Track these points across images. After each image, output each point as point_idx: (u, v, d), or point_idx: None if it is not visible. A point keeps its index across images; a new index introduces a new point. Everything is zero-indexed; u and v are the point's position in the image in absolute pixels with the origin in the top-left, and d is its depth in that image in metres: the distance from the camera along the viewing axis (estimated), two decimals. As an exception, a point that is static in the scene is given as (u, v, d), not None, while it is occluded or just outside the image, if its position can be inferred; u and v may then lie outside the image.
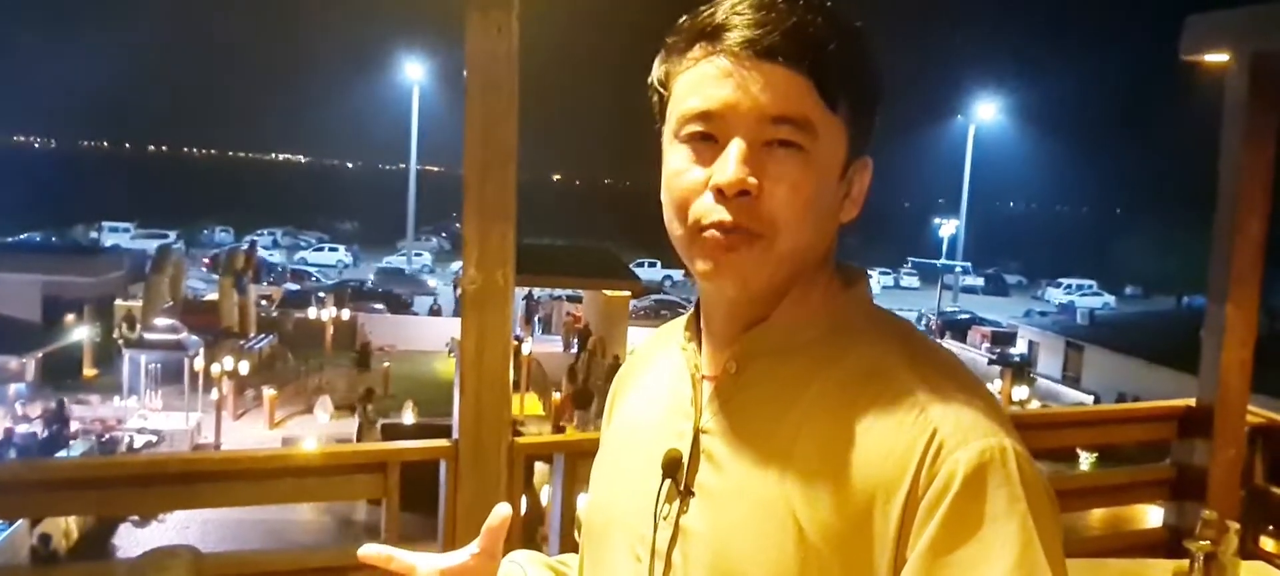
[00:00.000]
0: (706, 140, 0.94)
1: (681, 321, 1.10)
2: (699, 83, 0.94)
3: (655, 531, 0.99)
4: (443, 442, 2.83)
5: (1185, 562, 2.44)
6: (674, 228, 0.97)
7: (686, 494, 0.98)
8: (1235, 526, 2.40)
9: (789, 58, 0.91)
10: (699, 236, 0.94)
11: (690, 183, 0.94)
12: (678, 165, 0.96)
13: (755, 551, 0.92)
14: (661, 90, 0.99)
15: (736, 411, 0.98)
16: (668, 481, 0.99)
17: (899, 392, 0.92)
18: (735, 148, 0.91)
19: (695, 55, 0.95)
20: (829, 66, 0.92)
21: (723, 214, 0.92)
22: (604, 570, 1.07)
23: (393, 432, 16.57)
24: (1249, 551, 3.37)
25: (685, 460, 0.99)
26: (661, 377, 1.10)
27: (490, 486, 2.77)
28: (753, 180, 0.91)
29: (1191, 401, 3.80)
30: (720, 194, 0.92)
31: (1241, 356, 3.72)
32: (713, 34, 0.94)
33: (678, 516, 0.98)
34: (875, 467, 0.89)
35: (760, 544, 0.91)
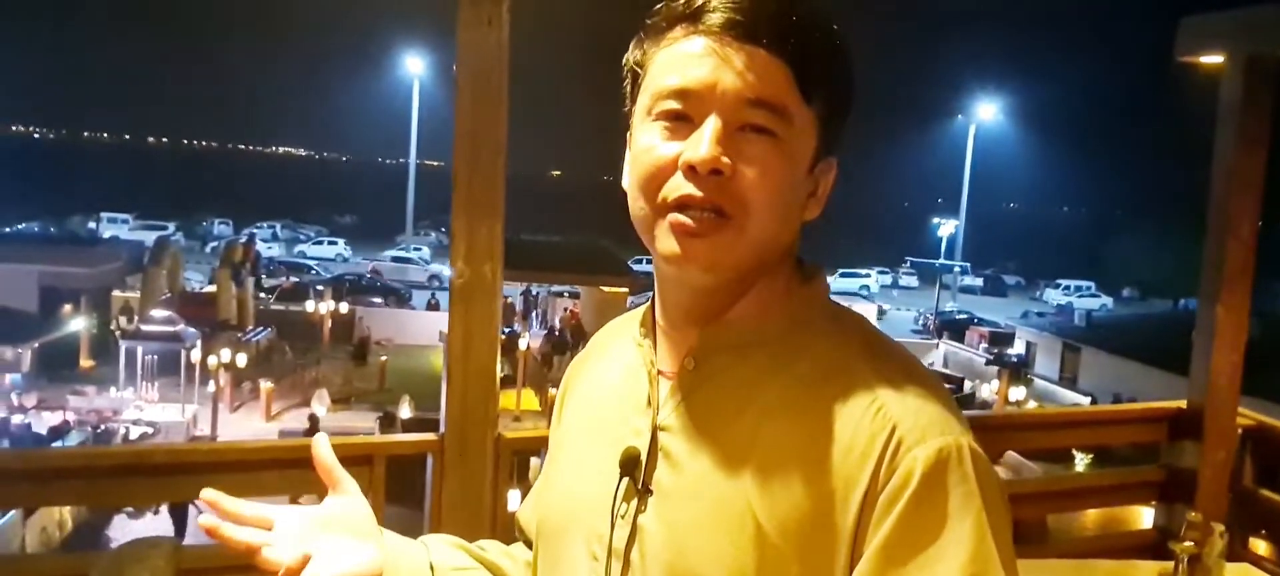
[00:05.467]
0: (681, 119, 0.93)
1: (635, 315, 1.09)
2: (677, 61, 0.93)
3: (613, 530, 0.98)
4: (429, 436, 2.83)
5: (1171, 564, 2.44)
6: (639, 206, 0.96)
7: (645, 492, 0.98)
8: (1220, 528, 2.40)
9: (771, 43, 0.91)
10: (665, 216, 0.93)
11: (661, 159, 0.93)
12: (649, 142, 0.94)
13: (714, 549, 0.91)
14: (638, 70, 0.98)
15: (695, 408, 0.98)
16: (625, 479, 0.98)
17: (858, 390, 0.92)
18: (710, 126, 0.91)
19: (675, 35, 0.95)
20: (809, 57, 0.92)
21: (692, 190, 0.91)
22: (561, 568, 1.06)
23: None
24: (1237, 554, 3.37)
25: (643, 458, 0.98)
26: (616, 373, 1.09)
27: (476, 480, 2.76)
28: (726, 160, 0.90)
29: (1182, 403, 3.80)
30: (692, 171, 0.91)
31: (1232, 359, 3.72)
32: (694, 14, 0.93)
33: (636, 514, 0.97)
34: (835, 464, 0.89)
35: (719, 541, 0.91)
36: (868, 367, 0.93)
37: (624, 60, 1.00)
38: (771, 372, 0.95)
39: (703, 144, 0.90)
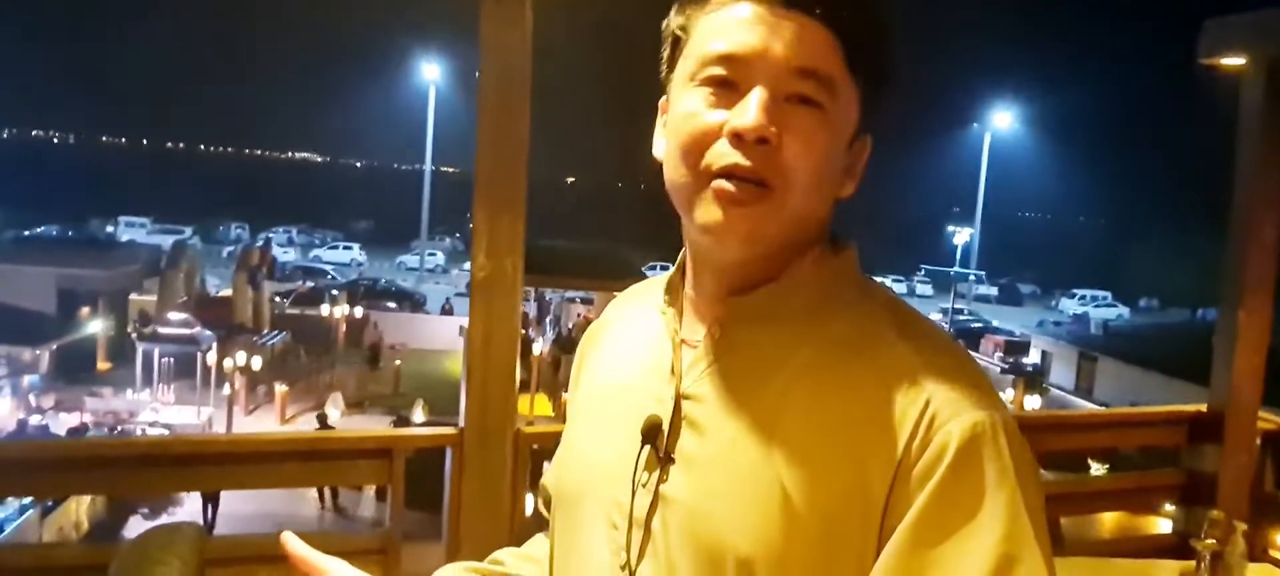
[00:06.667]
0: (726, 85, 0.91)
1: (658, 283, 1.07)
2: (725, 26, 0.91)
3: (633, 498, 0.96)
4: (448, 430, 2.84)
5: (1192, 563, 2.42)
6: (679, 173, 0.93)
7: (667, 461, 0.96)
8: (1242, 527, 2.38)
9: (821, 12, 0.89)
10: (708, 184, 0.91)
11: (706, 125, 0.91)
12: (692, 107, 0.92)
13: (739, 518, 0.89)
14: (680, 34, 0.97)
15: (720, 377, 0.96)
16: (647, 448, 0.96)
17: (890, 362, 0.90)
18: (758, 94, 0.89)
19: (722, 0, 0.92)
20: (859, 29, 0.91)
21: (739, 158, 0.89)
22: (578, 538, 1.04)
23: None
24: (1257, 558, 3.35)
25: (665, 426, 0.97)
26: (636, 341, 1.07)
27: (495, 474, 2.77)
28: (773, 129, 0.88)
29: (1202, 406, 3.78)
30: (738, 139, 0.89)
31: (1254, 362, 3.70)
32: None
33: (658, 484, 0.95)
34: (865, 436, 0.88)
35: (744, 511, 0.89)
36: (899, 339, 0.92)
37: (664, 24, 0.98)
38: (799, 343, 0.94)
39: (750, 112, 0.88)
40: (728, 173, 0.90)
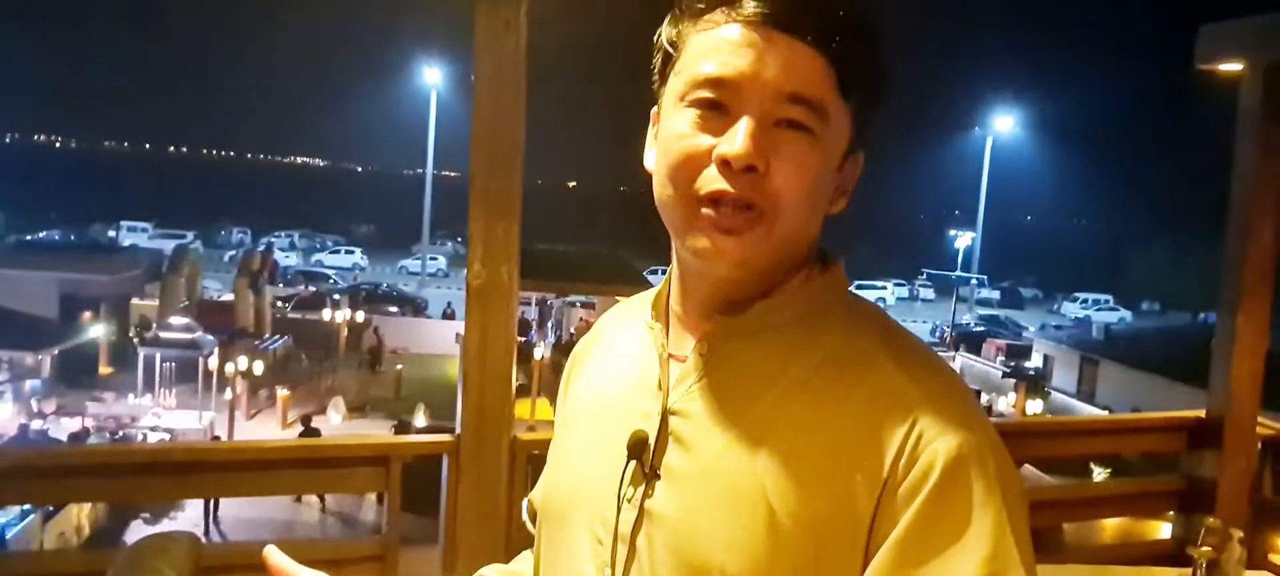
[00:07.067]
0: (715, 108, 0.89)
1: (646, 298, 1.07)
2: (715, 47, 0.90)
3: (619, 514, 0.96)
4: (445, 437, 2.84)
5: (1189, 570, 2.42)
6: (667, 193, 0.93)
7: (652, 476, 0.95)
8: (1239, 533, 2.38)
9: (813, 37, 0.88)
10: (697, 209, 0.90)
11: (694, 149, 0.90)
12: (681, 129, 0.91)
13: (725, 534, 0.89)
14: (670, 49, 0.95)
15: (707, 393, 0.95)
16: (633, 463, 0.96)
17: (878, 380, 0.90)
18: (746, 123, 0.88)
19: (715, 18, 0.91)
20: (851, 52, 0.89)
21: (725, 185, 0.88)
22: (563, 552, 1.03)
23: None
24: (1257, 564, 3.34)
25: (652, 441, 0.96)
26: (624, 356, 1.06)
27: (491, 481, 2.77)
28: (762, 158, 0.88)
29: (1201, 412, 3.78)
30: (726, 166, 0.88)
31: (1252, 367, 3.70)
32: None
33: (643, 499, 0.95)
34: (852, 452, 0.87)
35: (730, 527, 0.89)
36: (887, 358, 0.92)
37: (656, 35, 0.97)
38: (786, 358, 0.94)
39: (738, 140, 0.87)
40: (715, 199, 0.89)
